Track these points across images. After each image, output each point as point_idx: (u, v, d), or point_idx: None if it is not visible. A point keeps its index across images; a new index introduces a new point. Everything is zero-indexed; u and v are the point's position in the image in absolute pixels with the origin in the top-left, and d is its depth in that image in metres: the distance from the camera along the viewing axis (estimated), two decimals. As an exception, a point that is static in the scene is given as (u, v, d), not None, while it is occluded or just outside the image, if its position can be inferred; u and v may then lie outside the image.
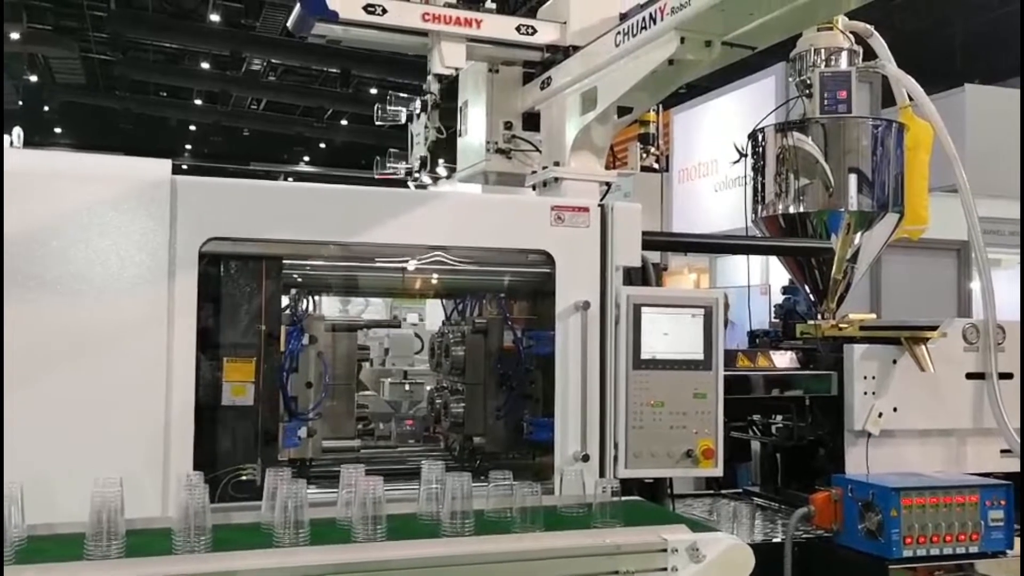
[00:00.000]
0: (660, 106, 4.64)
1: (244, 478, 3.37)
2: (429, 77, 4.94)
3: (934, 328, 4.27)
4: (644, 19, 3.71)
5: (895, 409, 4.24)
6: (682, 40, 3.54)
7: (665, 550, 2.94)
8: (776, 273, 8.34)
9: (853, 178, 4.67)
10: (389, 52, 19.22)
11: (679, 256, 12.62)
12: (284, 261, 3.57)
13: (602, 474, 3.57)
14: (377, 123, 5.77)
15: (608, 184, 4.33)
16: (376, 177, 5.97)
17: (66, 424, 3.03)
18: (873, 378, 4.25)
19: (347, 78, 21.48)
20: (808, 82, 4.80)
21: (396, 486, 3.34)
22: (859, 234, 4.71)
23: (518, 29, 4.47)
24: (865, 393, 4.24)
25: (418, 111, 5.31)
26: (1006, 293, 5.44)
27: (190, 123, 27.02)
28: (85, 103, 24.69)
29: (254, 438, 3.48)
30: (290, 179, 22.45)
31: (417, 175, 5.28)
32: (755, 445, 4.94)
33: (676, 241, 6.38)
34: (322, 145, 28.49)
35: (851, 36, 4.86)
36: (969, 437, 4.41)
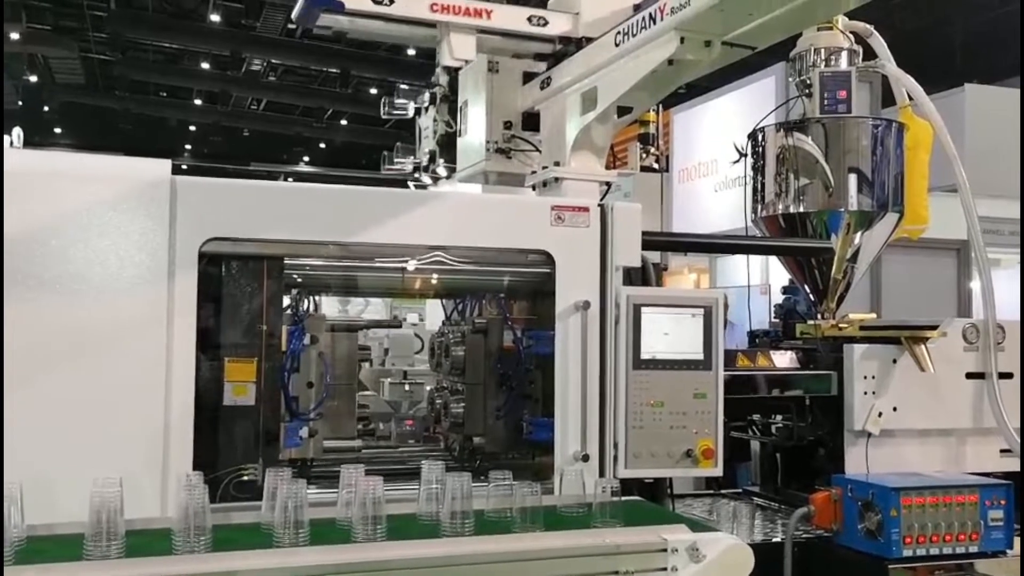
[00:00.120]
0: (660, 106, 4.66)
1: (246, 478, 3.36)
2: (438, 70, 4.88)
3: (934, 328, 4.27)
4: (644, 19, 3.71)
5: (895, 409, 4.24)
6: (682, 40, 3.53)
7: (665, 550, 2.93)
8: (776, 273, 8.34)
9: (853, 178, 4.67)
10: (388, 52, 19.28)
11: (679, 256, 12.60)
12: (284, 261, 3.57)
13: (602, 474, 3.57)
14: (384, 117, 5.65)
15: (608, 184, 4.33)
16: (383, 172, 5.88)
17: (65, 424, 3.03)
18: (873, 378, 4.25)
19: (347, 78, 21.50)
20: (808, 82, 4.80)
21: (396, 486, 3.34)
22: (859, 234, 4.71)
23: (529, 20, 4.40)
24: (865, 393, 4.24)
25: (426, 104, 5.21)
26: (1006, 293, 5.44)
27: (190, 123, 27.04)
28: (85, 103, 24.70)
29: (256, 438, 3.48)
30: (290, 179, 22.43)
31: (427, 168, 5.18)
32: (755, 445, 4.94)
33: (676, 241, 6.38)
34: (322, 145, 28.51)
35: (851, 36, 4.86)
36: (969, 437, 4.41)
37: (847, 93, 4.65)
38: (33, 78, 22.25)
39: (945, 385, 4.32)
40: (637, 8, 3.91)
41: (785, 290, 6.48)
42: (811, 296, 4.91)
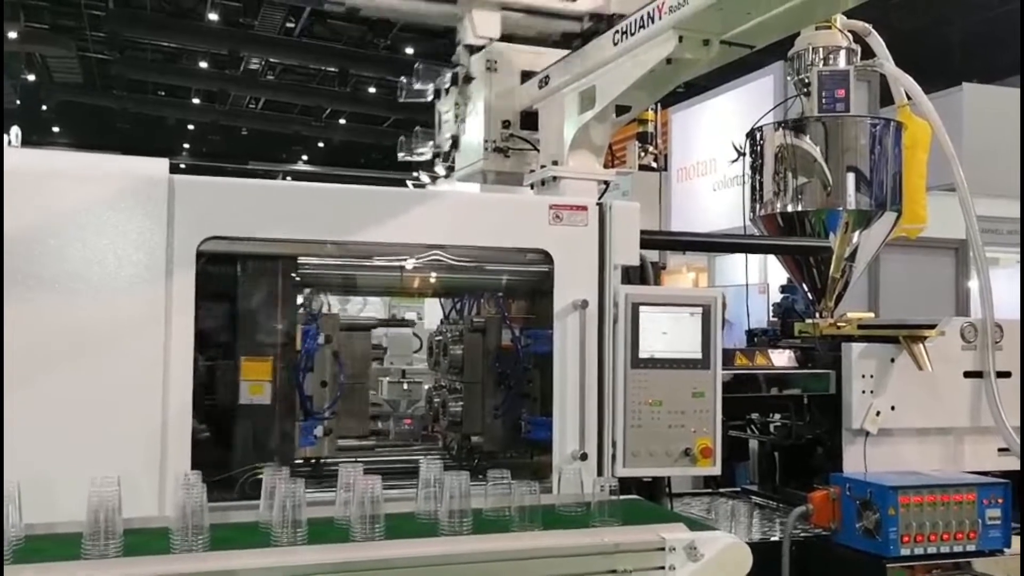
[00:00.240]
0: (658, 105, 4.64)
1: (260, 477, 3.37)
2: (459, 49, 4.75)
3: (932, 327, 4.27)
4: (642, 18, 3.71)
5: (893, 408, 4.24)
6: (680, 39, 3.53)
7: (663, 549, 2.94)
8: (774, 272, 8.36)
9: (851, 177, 4.68)
10: (387, 51, 19.27)
11: (677, 255, 12.61)
12: (298, 260, 3.58)
13: (600, 473, 3.57)
14: (401, 101, 5.36)
15: (606, 183, 4.33)
16: (399, 158, 5.63)
17: (63, 423, 3.03)
18: (871, 377, 4.25)
19: (345, 77, 21.49)
20: (806, 81, 4.81)
21: (396, 483, 3.35)
22: (857, 233, 4.71)
23: None
24: (863, 392, 4.24)
25: (447, 86, 4.96)
26: (1004, 292, 5.45)
27: (188, 122, 27.02)
28: (83, 102, 24.66)
29: (272, 437, 3.50)
30: (288, 178, 22.44)
31: (448, 155, 4.94)
32: (753, 444, 4.94)
33: (674, 240, 6.38)
34: (320, 144, 28.51)
35: (849, 35, 4.87)
36: (967, 436, 4.41)
37: (845, 92, 4.65)
38: (31, 77, 22.24)
39: (943, 384, 4.32)
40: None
41: (783, 289, 6.47)
42: (809, 295, 4.91)
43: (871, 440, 4.22)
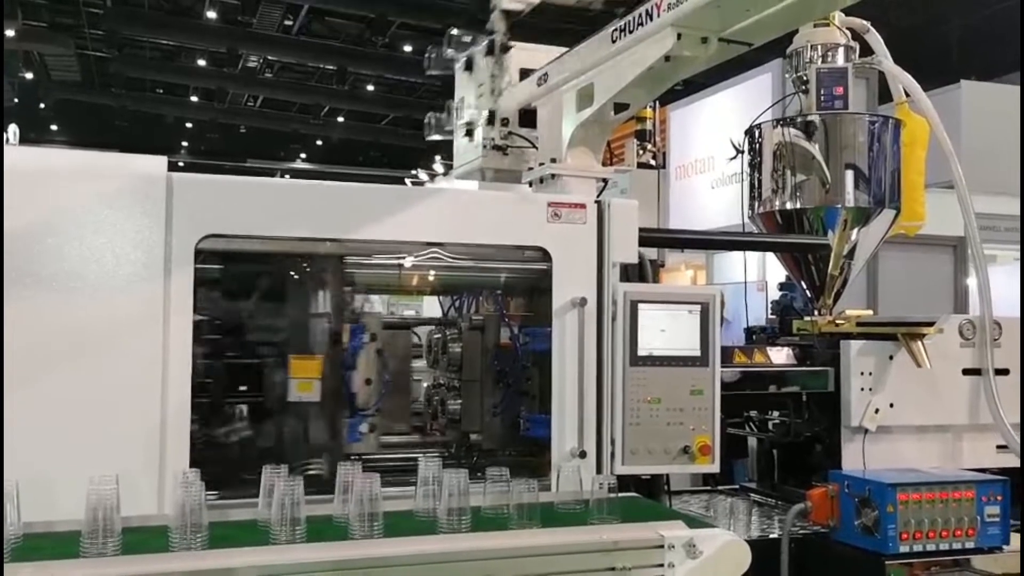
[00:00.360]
0: (657, 103, 4.64)
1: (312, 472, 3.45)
2: (494, 15, 4.53)
3: (930, 324, 4.28)
4: (640, 15, 3.70)
5: (892, 405, 4.24)
6: (678, 36, 3.53)
7: (662, 546, 2.94)
8: (773, 269, 8.34)
9: (850, 174, 4.68)
10: (386, 49, 19.23)
11: (676, 252, 12.60)
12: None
13: (599, 470, 3.57)
14: (428, 73, 4.98)
15: (605, 180, 4.32)
16: (426, 140, 5.29)
17: (61, 422, 3.03)
18: (870, 374, 4.26)
19: (343, 75, 21.49)
20: (805, 78, 4.81)
21: (398, 480, 3.36)
22: (856, 230, 4.72)
23: None
24: (862, 389, 4.24)
25: (484, 52, 4.58)
26: (1002, 289, 5.45)
27: (186, 120, 27.00)
28: (81, 100, 24.65)
29: (321, 433, 3.58)
30: (287, 176, 22.43)
31: (487, 128, 4.57)
32: (752, 441, 4.95)
33: (673, 237, 6.39)
34: (319, 142, 28.49)
35: (847, 32, 4.87)
36: (965, 433, 4.42)
37: (844, 89, 4.66)
38: (29, 75, 22.22)
39: (942, 381, 4.32)
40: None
41: (782, 286, 6.48)
42: (808, 292, 4.91)
43: (870, 437, 4.22)
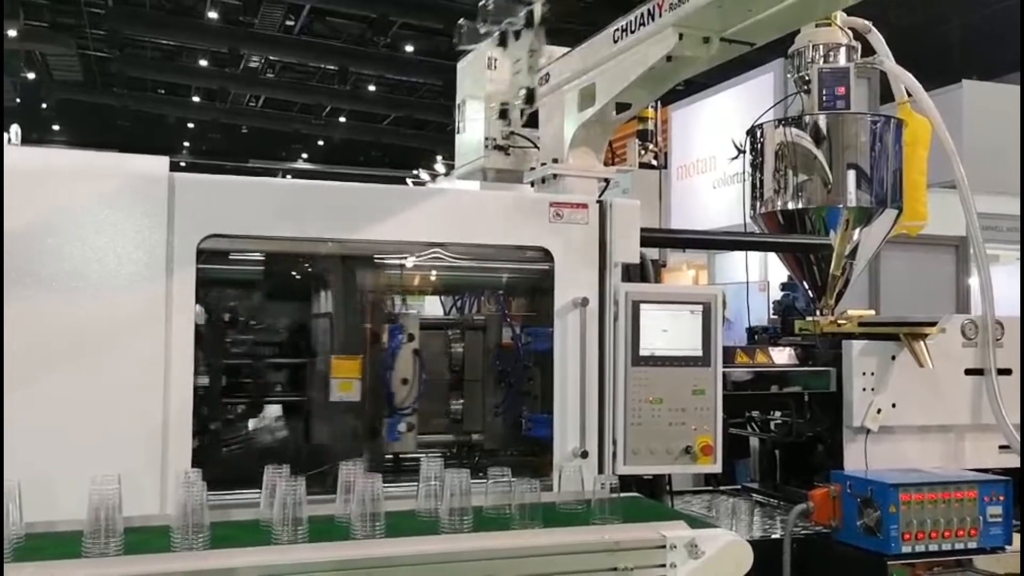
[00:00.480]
0: (659, 103, 4.62)
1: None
2: None
3: (933, 324, 4.27)
4: (642, 15, 3.70)
5: (894, 405, 4.24)
6: (680, 36, 3.53)
7: (664, 546, 2.94)
8: (775, 269, 8.34)
9: (852, 174, 4.68)
10: (387, 49, 19.23)
11: (677, 252, 12.61)
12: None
13: (601, 471, 3.57)
14: (457, 50, 4.67)
15: (607, 180, 4.32)
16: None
17: (63, 422, 3.03)
18: (872, 374, 4.25)
19: (345, 75, 21.50)
20: (806, 78, 4.81)
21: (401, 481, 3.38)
22: (858, 230, 4.71)
23: None
24: (864, 389, 4.24)
25: (522, 26, 4.30)
26: (1005, 289, 5.44)
27: (188, 120, 27.01)
28: (83, 100, 24.66)
29: (360, 433, 3.62)
30: (288, 176, 22.44)
31: (526, 105, 4.33)
32: (754, 441, 4.94)
33: (675, 237, 6.39)
34: (320, 142, 28.50)
35: (849, 32, 4.86)
36: (968, 433, 4.41)
37: (846, 89, 4.65)
38: (31, 75, 22.22)
39: (944, 381, 4.32)
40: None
41: (784, 287, 6.48)
42: (810, 292, 4.91)
43: (872, 438, 4.22)
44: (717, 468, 3.76)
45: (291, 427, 3.90)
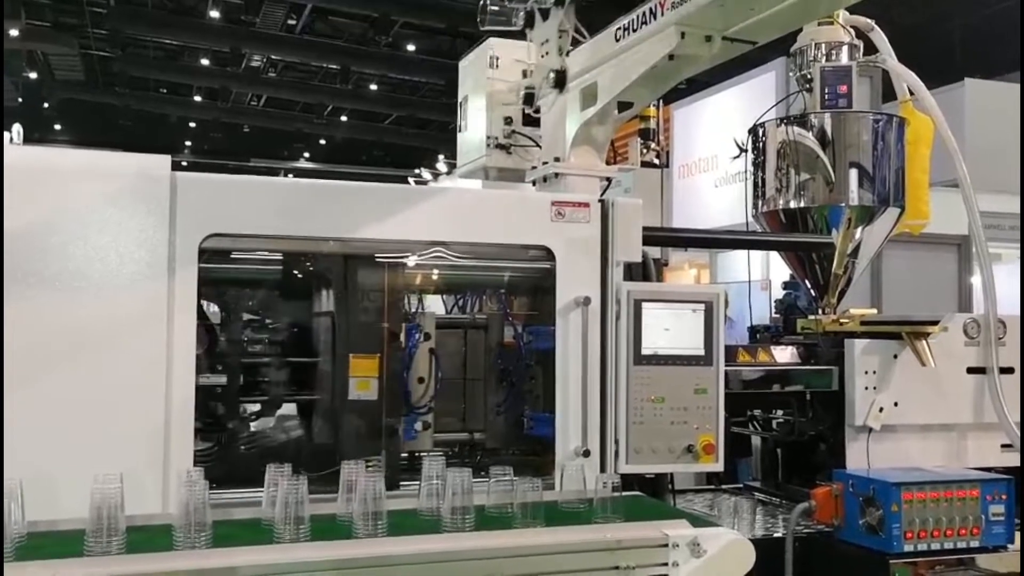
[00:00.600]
0: (660, 101, 4.61)
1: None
2: None
3: (935, 323, 4.26)
4: (644, 14, 3.70)
5: (896, 404, 4.23)
6: (682, 35, 3.53)
7: (666, 545, 2.93)
8: (777, 268, 8.34)
9: (854, 173, 4.67)
10: (389, 48, 19.23)
11: (679, 251, 12.61)
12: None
13: (603, 469, 3.57)
14: (483, 29, 4.41)
15: (608, 179, 4.32)
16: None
17: (66, 421, 3.03)
18: (874, 373, 4.25)
19: (347, 74, 21.51)
20: (809, 77, 4.80)
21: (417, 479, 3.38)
22: (860, 229, 4.71)
23: None
24: (866, 388, 4.23)
25: (551, 4, 4.13)
26: (1007, 287, 5.44)
27: (190, 119, 27.02)
28: (84, 99, 24.67)
29: (378, 431, 3.61)
30: (290, 175, 22.43)
31: (558, 84, 4.13)
32: (756, 440, 4.94)
33: (677, 236, 6.39)
34: (322, 141, 28.51)
35: (851, 31, 4.86)
36: (970, 432, 4.41)
37: (848, 88, 4.64)
38: (33, 75, 22.22)
39: (946, 380, 4.31)
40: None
41: (786, 285, 6.48)
42: (812, 291, 4.90)
43: (874, 436, 4.21)
44: (719, 467, 3.76)
45: (298, 426, 3.89)
